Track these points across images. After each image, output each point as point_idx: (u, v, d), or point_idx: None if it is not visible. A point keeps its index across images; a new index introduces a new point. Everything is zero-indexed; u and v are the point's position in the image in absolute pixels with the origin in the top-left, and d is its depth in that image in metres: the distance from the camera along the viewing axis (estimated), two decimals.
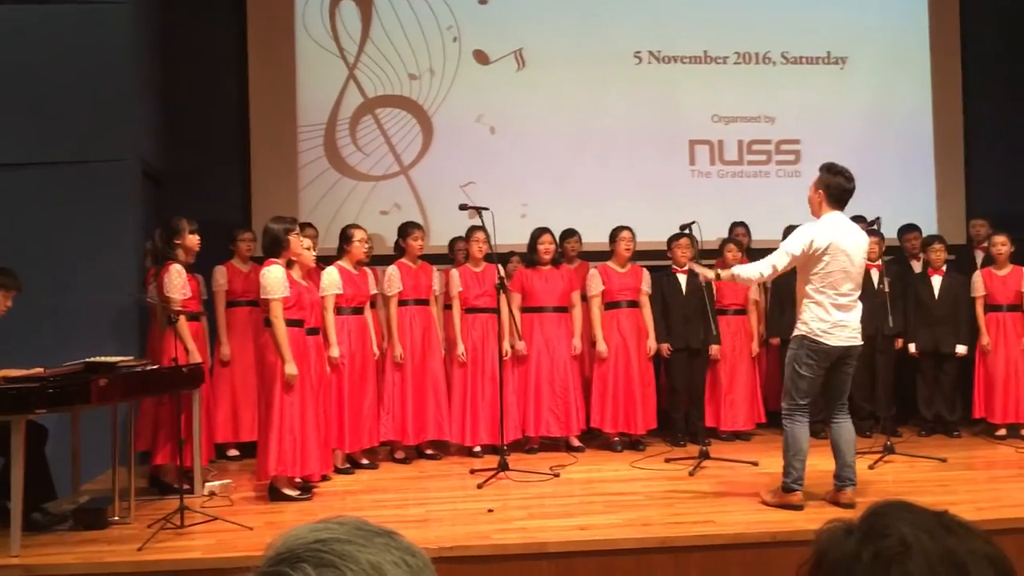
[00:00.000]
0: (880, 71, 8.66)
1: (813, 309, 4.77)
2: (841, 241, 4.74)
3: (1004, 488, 5.45)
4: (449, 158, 8.13)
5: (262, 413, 5.35)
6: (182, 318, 5.35)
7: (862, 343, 4.91)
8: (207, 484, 5.46)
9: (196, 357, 5.51)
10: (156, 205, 7.23)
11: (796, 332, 4.86)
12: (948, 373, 7.10)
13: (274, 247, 5.35)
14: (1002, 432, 6.88)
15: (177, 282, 5.48)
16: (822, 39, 8.61)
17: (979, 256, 7.64)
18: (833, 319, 4.74)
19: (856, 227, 4.92)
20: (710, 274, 5.16)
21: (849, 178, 4.80)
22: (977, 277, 7.09)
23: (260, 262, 5.65)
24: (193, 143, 7.65)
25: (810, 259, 4.75)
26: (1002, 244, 6.96)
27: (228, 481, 5.62)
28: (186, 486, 5.10)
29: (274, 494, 5.28)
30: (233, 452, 6.65)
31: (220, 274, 6.61)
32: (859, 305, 4.86)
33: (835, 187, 4.81)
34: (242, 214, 7.71)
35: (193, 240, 5.69)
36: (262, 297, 5.28)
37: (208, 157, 7.72)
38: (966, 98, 8.76)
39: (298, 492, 5.35)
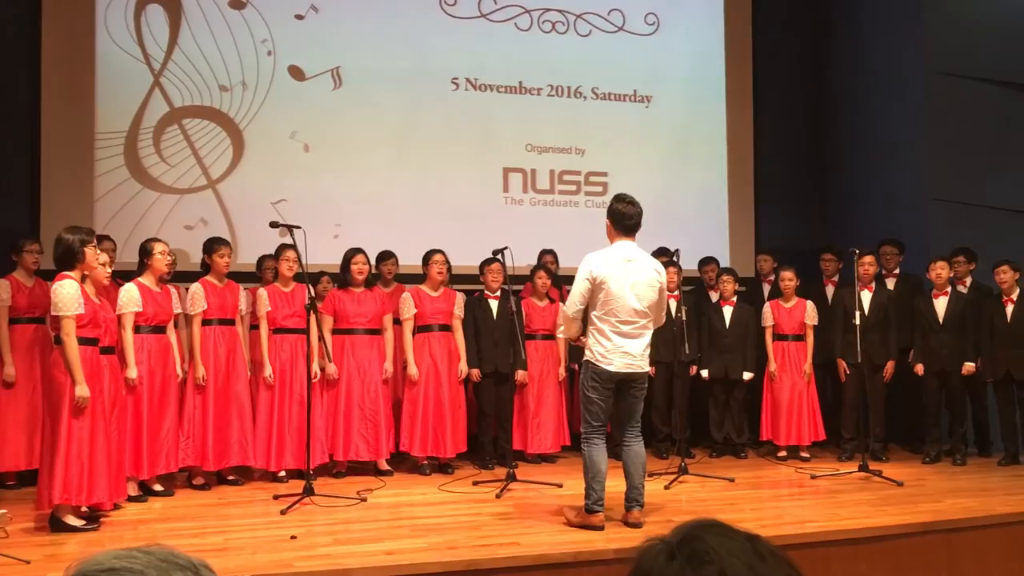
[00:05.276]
0: (681, 111, 9.20)
1: (595, 335, 4.95)
2: (618, 270, 4.90)
3: (785, 506, 5.88)
4: (260, 174, 7.92)
5: (47, 437, 4.97)
6: None
7: (646, 370, 5.06)
8: None
9: None
10: None
11: (584, 358, 5.05)
12: (737, 398, 7.59)
13: (67, 259, 5.00)
14: (783, 454, 7.41)
15: None
16: (629, 77, 9.05)
17: (766, 288, 8.23)
18: (613, 345, 4.89)
19: (643, 255, 5.07)
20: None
21: (634, 205, 5.02)
22: (766, 308, 7.61)
23: (46, 275, 5.26)
24: None
25: (592, 289, 4.93)
26: (789, 279, 7.49)
27: (4, 512, 5.17)
28: None
29: (56, 524, 4.91)
30: (11, 481, 6.14)
31: (3, 288, 6.09)
32: (646, 334, 4.99)
33: (619, 215, 5.03)
34: (29, 223, 7.17)
35: None
36: (53, 313, 4.92)
37: None
38: (756, 141, 9.46)
39: (83, 522, 5.00)
